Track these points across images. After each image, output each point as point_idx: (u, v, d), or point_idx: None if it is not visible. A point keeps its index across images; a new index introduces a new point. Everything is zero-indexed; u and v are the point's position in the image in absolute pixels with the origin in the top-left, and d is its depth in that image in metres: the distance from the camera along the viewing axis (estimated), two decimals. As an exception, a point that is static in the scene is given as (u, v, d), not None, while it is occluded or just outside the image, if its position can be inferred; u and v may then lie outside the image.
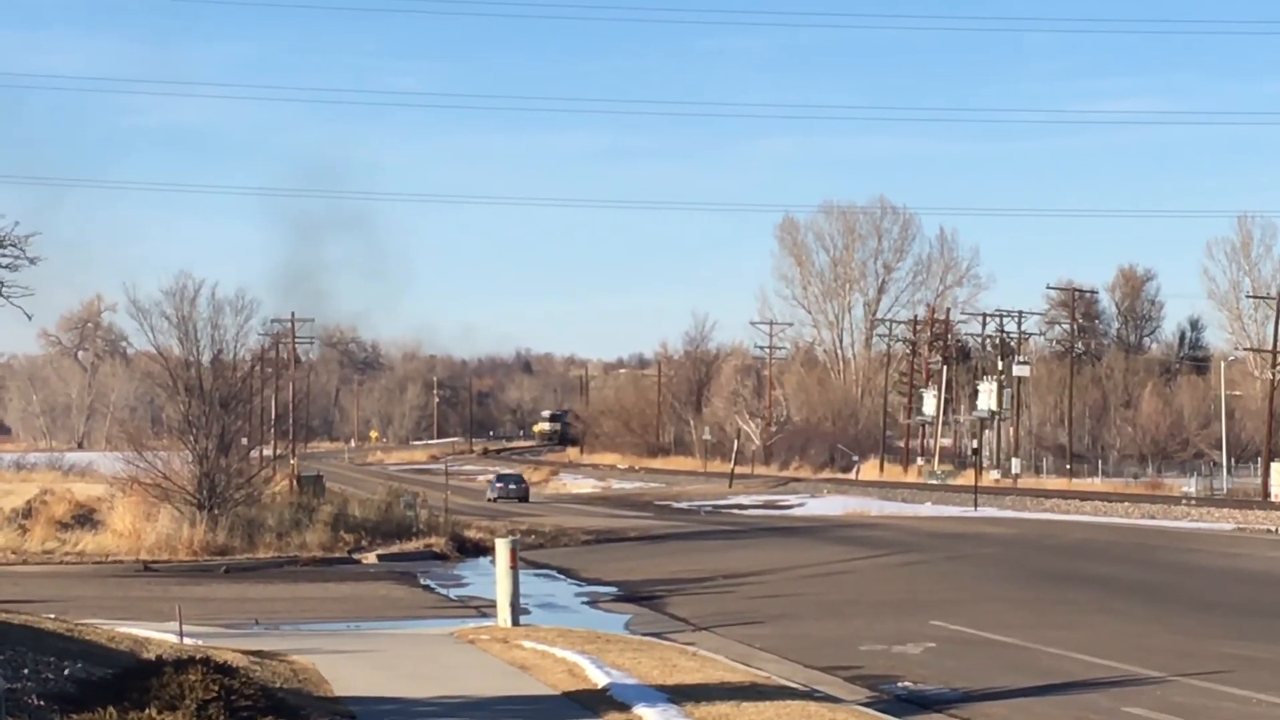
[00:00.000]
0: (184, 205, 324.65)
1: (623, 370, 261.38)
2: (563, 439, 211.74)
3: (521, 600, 31.06)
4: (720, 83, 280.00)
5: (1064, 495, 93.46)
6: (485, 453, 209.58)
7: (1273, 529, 67.61)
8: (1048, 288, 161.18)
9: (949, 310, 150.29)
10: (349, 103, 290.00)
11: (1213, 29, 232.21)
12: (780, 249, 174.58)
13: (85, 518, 54.20)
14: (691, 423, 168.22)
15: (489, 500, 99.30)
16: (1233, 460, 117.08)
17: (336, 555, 50.86)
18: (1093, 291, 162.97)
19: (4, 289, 25.59)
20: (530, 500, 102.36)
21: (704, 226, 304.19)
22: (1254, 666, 25.21)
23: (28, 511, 55.08)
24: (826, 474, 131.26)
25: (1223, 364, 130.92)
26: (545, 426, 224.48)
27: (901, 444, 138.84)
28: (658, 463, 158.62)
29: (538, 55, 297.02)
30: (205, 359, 52.53)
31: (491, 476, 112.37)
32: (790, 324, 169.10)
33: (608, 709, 18.70)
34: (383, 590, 42.16)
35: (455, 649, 26.01)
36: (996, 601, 37.12)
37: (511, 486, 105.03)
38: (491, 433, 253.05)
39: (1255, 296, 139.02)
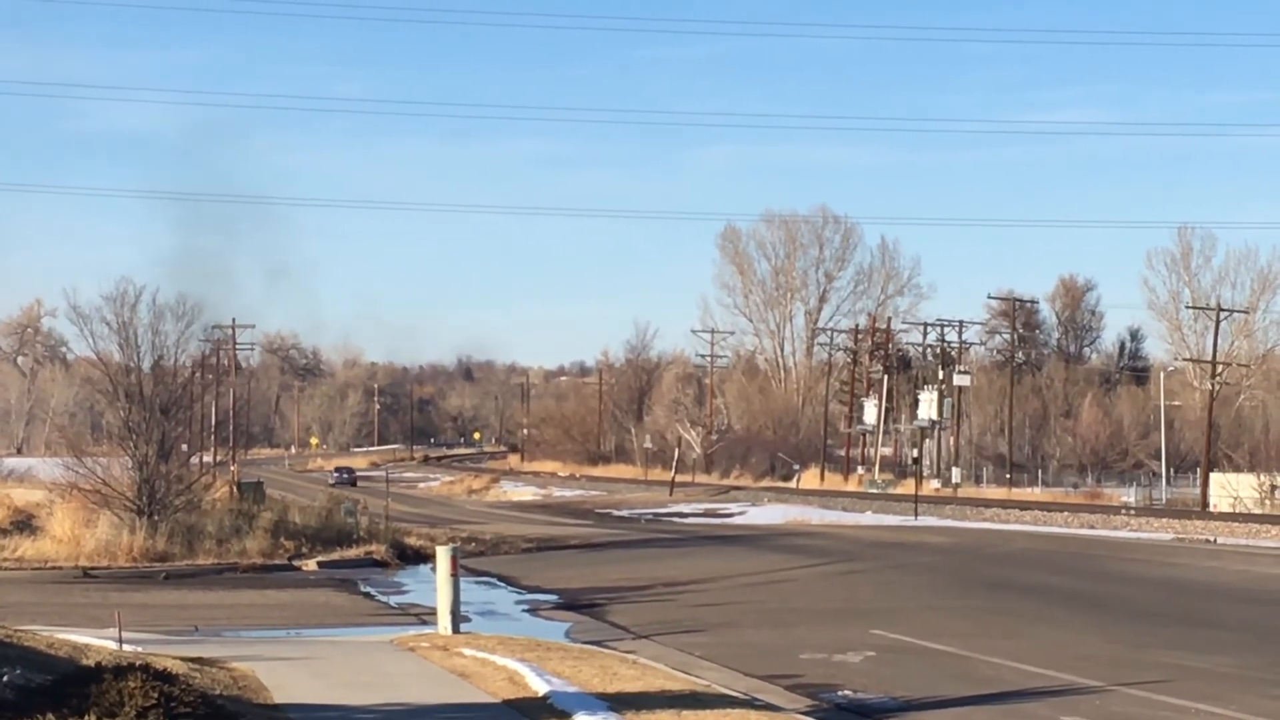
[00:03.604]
0: (119, 209, 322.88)
1: (564, 378, 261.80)
2: None
3: (462, 608, 31.07)
4: (662, 91, 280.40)
5: (1004, 504, 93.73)
6: (426, 460, 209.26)
7: (1211, 539, 67.98)
8: (988, 297, 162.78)
9: (890, 319, 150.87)
10: (291, 109, 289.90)
11: (1153, 40, 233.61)
12: (722, 257, 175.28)
13: (24, 523, 53.82)
14: (632, 431, 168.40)
15: (329, 485, 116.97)
16: (1172, 470, 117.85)
17: (277, 562, 50.64)
18: (1033, 301, 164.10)
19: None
20: (359, 485, 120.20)
21: (646, 234, 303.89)
22: (1191, 676, 25.35)
23: (-35, 517, 54.71)
24: (767, 482, 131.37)
25: (1162, 374, 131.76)
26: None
27: (842, 453, 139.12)
28: (599, 470, 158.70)
29: (480, 63, 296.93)
30: (146, 365, 52.23)
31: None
32: (732, 332, 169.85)
33: (548, 717, 18.68)
34: (323, 597, 41.99)
35: (395, 656, 25.95)
36: (936, 610, 37.22)
37: (345, 476, 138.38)
38: (432, 439, 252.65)
39: (1195, 307, 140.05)
